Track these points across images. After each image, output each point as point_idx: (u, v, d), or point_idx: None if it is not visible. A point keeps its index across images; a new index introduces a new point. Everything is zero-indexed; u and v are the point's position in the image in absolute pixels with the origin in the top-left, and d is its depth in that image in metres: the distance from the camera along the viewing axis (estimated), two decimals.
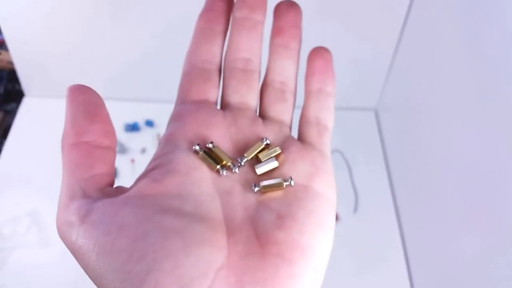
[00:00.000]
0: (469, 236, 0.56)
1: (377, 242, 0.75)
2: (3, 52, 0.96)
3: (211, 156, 0.26)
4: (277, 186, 0.25)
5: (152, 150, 0.84)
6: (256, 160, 0.27)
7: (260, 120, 0.30)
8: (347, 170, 0.84)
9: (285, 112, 0.30)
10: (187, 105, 0.29)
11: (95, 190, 0.25)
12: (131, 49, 0.83)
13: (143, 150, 0.84)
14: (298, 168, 0.26)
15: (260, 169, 0.26)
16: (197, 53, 0.30)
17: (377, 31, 0.80)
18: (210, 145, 0.26)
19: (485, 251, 0.53)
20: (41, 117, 0.88)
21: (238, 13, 0.30)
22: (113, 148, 0.27)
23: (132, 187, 0.25)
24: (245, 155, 0.27)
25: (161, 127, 0.88)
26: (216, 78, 0.30)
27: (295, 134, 0.31)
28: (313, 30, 0.80)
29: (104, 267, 0.22)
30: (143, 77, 0.88)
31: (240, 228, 0.24)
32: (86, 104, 0.26)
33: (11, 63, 0.93)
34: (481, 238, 0.54)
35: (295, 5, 0.31)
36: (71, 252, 0.23)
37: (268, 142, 0.27)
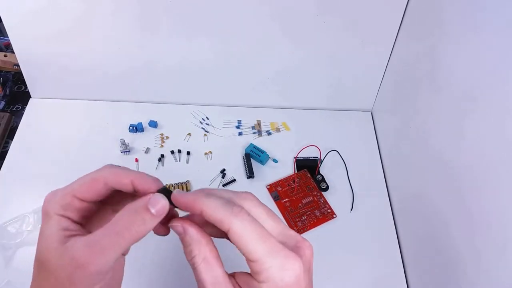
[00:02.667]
0: (462, 232, 0.58)
1: (373, 239, 0.77)
2: (9, 54, 0.97)
3: None
4: None
5: (155, 150, 0.86)
6: None
7: None
8: (344, 169, 0.85)
9: None
10: None
11: None
12: (135, 52, 0.85)
13: (147, 150, 0.85)
14: None
15: None
16: None
17: (375, 41, 0.83)
18: None
19: (477, 248, 0.54)
20: (46, 118, 0.90)
21: None
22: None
23: None
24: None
25: (165, 128, 0.89)
26: None
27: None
28: (317, 45, 0.83)
29: None
30: (147, 79, 0.90)
31: None
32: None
33: (17, 65, 0.94)
34: (475, 235, 0.55)
35: None
36: None
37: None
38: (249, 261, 0.31)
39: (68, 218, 0.34)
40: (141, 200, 0.32)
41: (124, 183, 0.34)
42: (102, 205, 0.38)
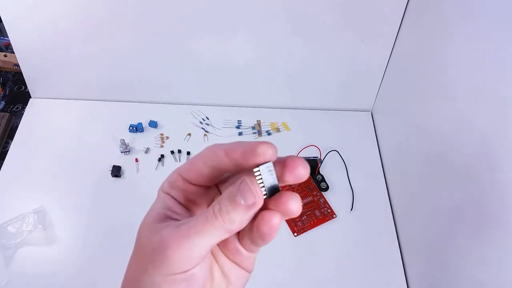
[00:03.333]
0: (462, 232, 0.58)
1: (373, 239, 0.77)
2: (9, 54, 0.97)
3: None
4: None
5: (155, 150, 0.86)
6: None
7: None
8: (344, 169, 0.85)
9: None
10: None
11: None
12: (135, 52, 0.85)
13: (147, 150, 0.85)
14: None
15: None
16: None
17: (375, 41, 0.83)
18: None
19: (476, 246, 0.54)
20: (46, 118, 0.90)
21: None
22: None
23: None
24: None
25: (164, 128, 0.89)
26: None
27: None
28: (317, 45, 0.83)
29: None
30: (147, 79, 0.90)
31: None
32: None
33: (17, 65, 0.94)
34: (472, 233, 0.55)
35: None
36: None
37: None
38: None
39: (173, 197, 0.31)
40: (235, 184, 0.27)
41: (218, 155, 0.28)
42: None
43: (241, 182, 0.26)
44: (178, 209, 0.30)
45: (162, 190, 0.31)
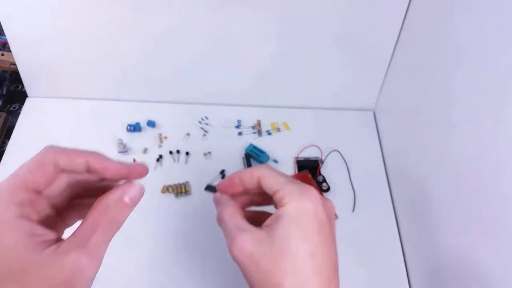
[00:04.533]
0: (465, 233, 0.57)
1: (375, 241, 0.76)
2: (6, 53, 0.96)
3: None
4: None
5: (153, 150, 0.84)
6: None
7: None
8: (346, 170, 0.84)
9: None
10: None
11: None
12: (132, 50, 0.84)
13: (145, 150, 0.84)
14: None
15: None
16: None
17: (377, 37, 0.81)
18: None
19: (479, 248, 0.53)
20: (43, 118, 0.89)
21: None
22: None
23: None
24: None
25: (163, 127, 0.88)
26: None
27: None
28: (318, 42, 0.82)
29: None
30: (145, 77, 0.89)
31: None
32: None
33: (14, 64, 0.93)
34: (476, 237, 0.54)
35: None
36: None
37: None
38: (274, 194, 0.37)
39: (28, 217, 0.31)
40: (115, 192, 0.35)
41: (77, 162, 0.35)
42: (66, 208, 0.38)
43: (126, 187, 0.37)
44: (41, 229, 0.31)
45: (8, 216, 0.30)
